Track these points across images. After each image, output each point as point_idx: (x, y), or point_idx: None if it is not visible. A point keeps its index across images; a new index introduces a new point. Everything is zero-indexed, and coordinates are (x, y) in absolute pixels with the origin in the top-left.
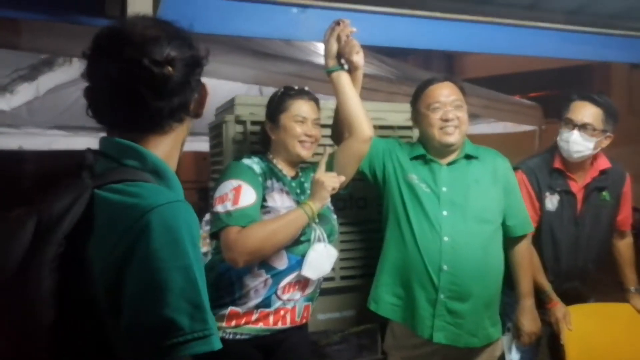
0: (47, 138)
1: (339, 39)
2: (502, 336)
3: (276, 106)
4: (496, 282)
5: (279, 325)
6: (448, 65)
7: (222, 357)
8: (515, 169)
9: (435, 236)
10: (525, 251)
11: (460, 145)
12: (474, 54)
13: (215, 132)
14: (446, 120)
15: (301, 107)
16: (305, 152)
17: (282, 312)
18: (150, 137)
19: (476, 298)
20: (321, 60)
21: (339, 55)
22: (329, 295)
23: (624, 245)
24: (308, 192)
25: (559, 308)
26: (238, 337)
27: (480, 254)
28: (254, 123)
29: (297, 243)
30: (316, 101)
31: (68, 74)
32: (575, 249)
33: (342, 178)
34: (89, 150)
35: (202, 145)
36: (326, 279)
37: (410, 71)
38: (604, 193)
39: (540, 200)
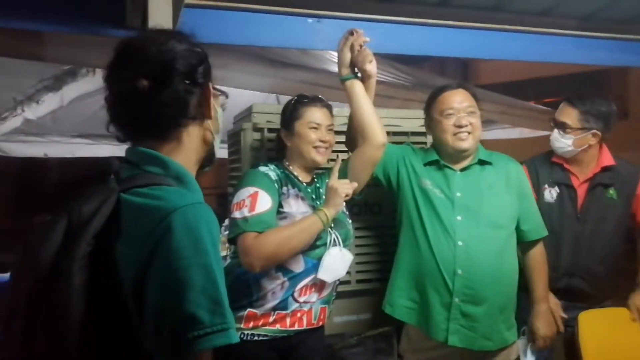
0: (71, 146)
1: (352, 49)
2: (518, 340)
3: (290, 114)
4: (510, 286)
5: (296, 327)
6: (463, 71)
7: (239, 358)
8: (520, 164)
9: (450, 241)
10: (539, 255)
11: (474, 151)
12: (489, 60)
13: (234, 139)
14: (459, 127)
15: (315, 114)
16: (320, 158)
17: (298, 314)
18: (164, 145)
19: (491, 302)
20: (336, 69)
21: (353, 64)
22: (345, 298)
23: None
24: (323, 197)
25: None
26: (255, 338)
27: (495, 258)
28: (270, 130)
29: (314, 247)
30: (329, 108)
31: (91, 84)
32: (576, 245)
33: (355, 185)
34: (114, 158)
35: (221, 152)
36: (342, 282)
37: (425, 78)
38: (611, 191)
39: (538, 192)
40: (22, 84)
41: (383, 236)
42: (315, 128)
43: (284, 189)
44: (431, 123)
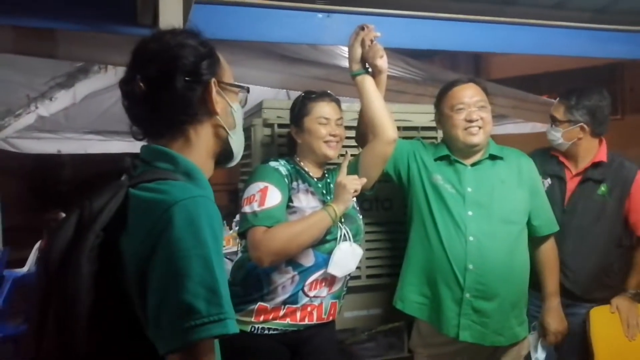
0: (83, 142)
1: (363, 44)
2: (528, 335)
3: (299, 111)
4: (522, 281)
5: (306, 322)
6: (475, 66)
7: (250, 351)
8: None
9: (461, 236)
10: (550, 251)
11: (485, 146)
12: (501, 54)
13: (244, 135)
14: (470, 121)
15: (323, 109)
16: (331, 152)
17: (308, 309)
18: (174, 142)
19: (502, 297)
20: (347, 64)
21: (363, 59)
22: (356, 293)
23: (635, 250)
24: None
25: None
26: (266, 332)
27: (506, 253)
28: (281, 126)
29: (324, 241)
30: (337, 102)
31: (103, 81)
32: (559, 238)
33: (364, 180)
34: (127, 155)
35: None
36: (353, 277)
37: (436, 72)
38: (602, 188)
39: None
40: (35, 81)
41: (394, 232)
42: (324, 123)
43: (294, 183)
44: (442, 118)
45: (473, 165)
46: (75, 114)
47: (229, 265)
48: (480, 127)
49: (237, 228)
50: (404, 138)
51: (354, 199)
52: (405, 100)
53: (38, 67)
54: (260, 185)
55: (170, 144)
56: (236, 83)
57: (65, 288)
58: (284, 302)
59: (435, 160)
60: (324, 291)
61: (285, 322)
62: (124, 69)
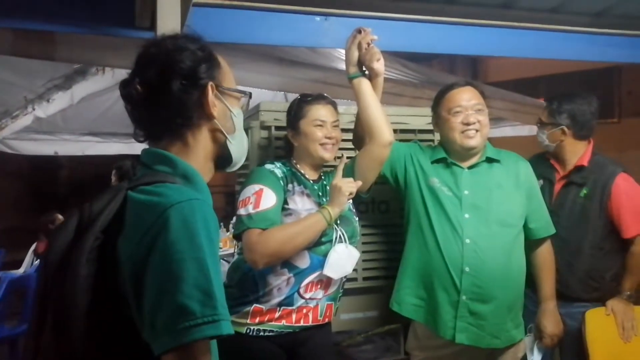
0: (80, 144)
1: (360, 47)
2: (524, 337)
3: (295, 114)
4: (518, 284)
5: (301, 323)
6: (473, 69)
7: (246, 352)
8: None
9: (457, 239)
10: (546, 253)
11: (482, 149)
12: (499, 58)
13: None
14: (467, 124)
15: (319, 111)
16: (328, 155)
17: (304, 311)
18: (172, 145)
19: (498, 300)
20: (344, 67)
21: (360, 62)
22: (352, 295)
23: (630, 255)
24: None
25: None
26: (261, 333)
27: (502, 256)
28: (278, 128)
29: (319, 243)
30: (333, 104)
31: (100, 83)
32: None
33: (359, 183)
34: (128, 158)
35: None
36: (349, 279)
37: (433, 75)
38: (584, 191)
39: None
40: (32, 83)
41: (390, 234)
42: (320, 125)
43: (290, 186)
44: (439, 121)
45: (470, 168)
46: (72, 115)
47: (225, 267)
48: (477, 130)
49: (233, 230)
50: (401, 141)
51: (350, 201)
52: (403, 103)
53: (36, 68)
54: (255, 187)
55: (169, 147)
56: (236, 88)
57: (63, 289)
58: (280, 304)
59: (432, 163)
60: (319, 293)
61: (281, 323)
62: (121, 71)
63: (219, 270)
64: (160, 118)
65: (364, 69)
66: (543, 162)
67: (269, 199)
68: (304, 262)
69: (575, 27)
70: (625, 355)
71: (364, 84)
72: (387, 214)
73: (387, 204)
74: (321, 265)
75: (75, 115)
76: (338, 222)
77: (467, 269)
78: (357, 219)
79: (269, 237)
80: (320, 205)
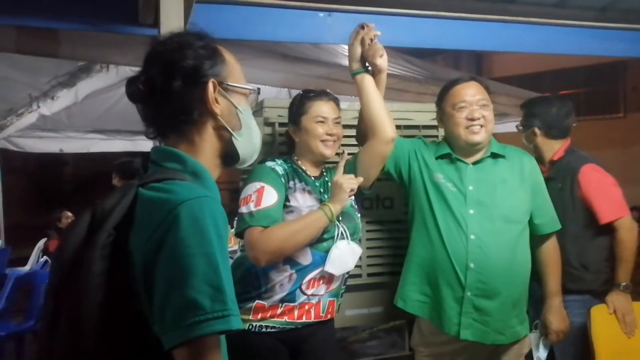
0: (85, 141)
1: (363, 43)
2: (530, 333)
3: (297, 109)
4: (523, 280)
5: (304, 320)
6: (477, 64)
7: (248, 348)
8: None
9: (462, 234)
10: (552, 249)
11: (486, 144)
12: (503, 53)
13: None
14: (472, 120)
15: (321, 108)
16: (328, 151)
17: (306, 307)
18: (179, 143)
19: (503, 296)
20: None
21: (363, 58)
22: (357, 291)
23: (614, 240)
24: None
25: None
26: (264, 330)
27: (507, 252)
28: (282, 125)
29: (321, 240)
30: (336, 100)
31: (105, 80)
32: None
33: (361, 179)
34: (139, 156)
35: None
36: (353, 275)
37: (438, 71)
38: (559, 185)
39: None
40: (37, 80)
41: (395, 230)
42: (322, 122)
43: (291, 183)
44: (443, 116)
45: (474, 163)
46: (77, 113)
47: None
48: (482, 126)
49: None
50: (405, 137)
51: (352, 197)
52: (407, 99)
53: (40, 66)
54: (256, 185)
55: (177, 145)
56: (241, 85)
57: (77, 285)
58: (282, 300)
59: (437, 158)
60: (321, 289)
61: (283, 320)
62: (125, 68)
63: (229, 266)
64: (163, 116)
65: (367, 65)
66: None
67: (270, 196)
68: (306, 258)
69: (580, 21)
70: (631, 350)
71: (367, 80)
72: (391, 209)
73: (391, 200)
74: (323, 261)
75: (79, 112)
76: (340, 218)
77: (471, 265)
78: (359, 215)
79: (271, 234)
80: (321, 202)
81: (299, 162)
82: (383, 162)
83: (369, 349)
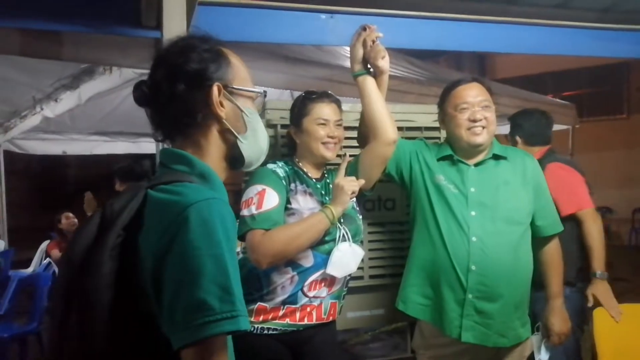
0: (88, 143)
1: (364, 44)
2: (532, 336)
3: (299, 111)
4: (525, 282)
5: (305, 322)
6: (480, 66)
7: (250, 350)
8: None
9: (463, 236)
10: (554, 251)
11: (488, 146)
12: (506, 54)
13: None
14: (474, 121)
15: (322, 110)
16: (329, 154)
17: (308, 309)
18: (186, 145)
19: (505, 298)
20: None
21: (365, 60)
22: (358, 293)
23: (581, 232)
24: None
25: None
26: (265, 332)
27: (509, 254)
28: (284, 127)
29: (323, 242)
30: (337, 103)
31: (108, 83)
32: None
33: (362, 182)
34: (147, 158)
35: None
36: (355, 277)
37: (440, 72)
38: None
39: None
40: (40, 82)
41: (396, 232)
42: (323, 124)
43: (292, 185)
44: (445, 118)
45: (476, 165)
46: (80, 115)
47: None
48: (484, 127)
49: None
50: (407, 138)
51: (353, 199)
52: (409, 101)
53: (43, 68)
54: (258, 188)
55: (184, 147)
56: (247, 88)
57: (87, 285)
58: (284, 302)
59: (438, 160)
60: (323, 291)
61: (285, 322)
62: (128, 71)
63: (237, 267)
64: (168, 119)
65: (369, 66)
66: None
67: (271, 199)
68: (307, 260)
69: (582, 22)
70: (633, 350)
71: (369, 82)
72: (393, 211)
73: (393, 201)
74: (325, 263)
75: (82, 114)
76: (341, 220)
77: (473, 267)
78: (360, 217)
79: (272, 237)
80: (323, 204)
81: (300, 164)
82: (384, 164)
83: (371, 351)
